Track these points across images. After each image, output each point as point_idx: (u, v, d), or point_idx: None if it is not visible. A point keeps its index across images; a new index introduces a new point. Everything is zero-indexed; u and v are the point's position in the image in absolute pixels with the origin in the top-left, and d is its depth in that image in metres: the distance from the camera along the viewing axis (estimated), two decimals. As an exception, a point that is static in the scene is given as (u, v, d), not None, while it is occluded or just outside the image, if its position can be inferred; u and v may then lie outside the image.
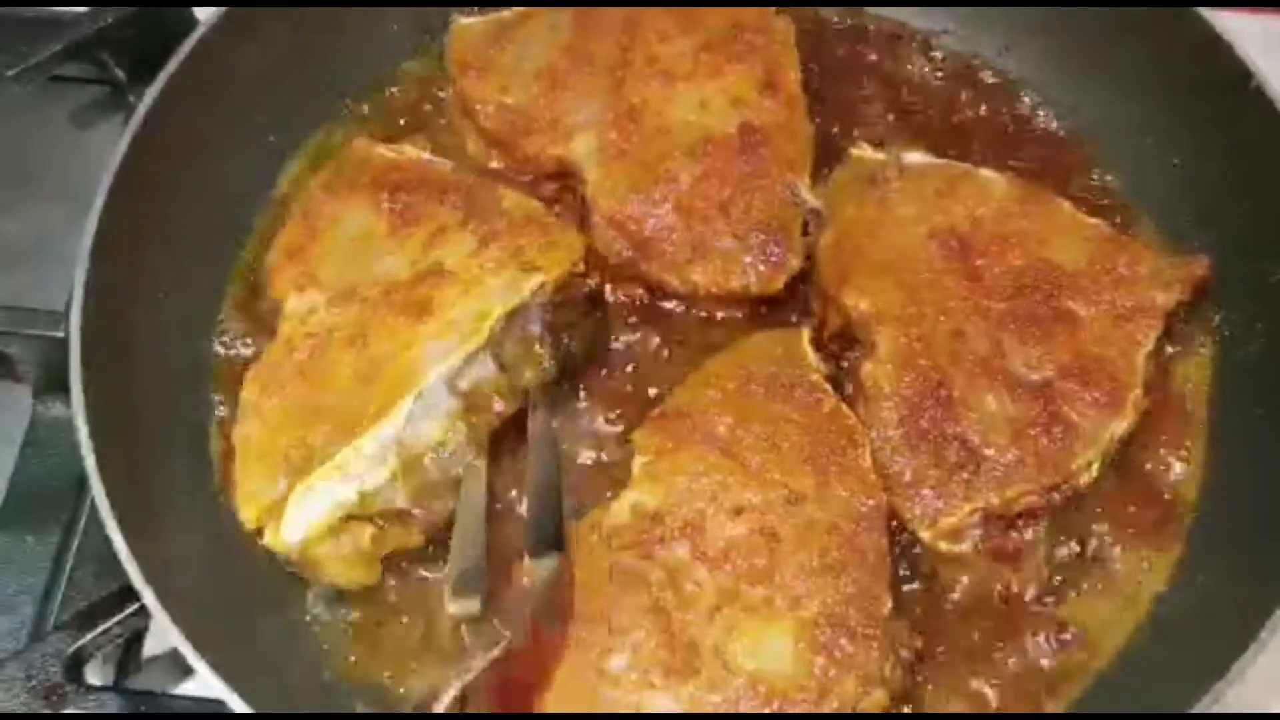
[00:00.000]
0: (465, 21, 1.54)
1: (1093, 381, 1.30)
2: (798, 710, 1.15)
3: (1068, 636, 1.29)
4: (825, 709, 1.15)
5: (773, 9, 1.52)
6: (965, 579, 1.31)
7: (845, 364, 1.39)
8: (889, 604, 1.20)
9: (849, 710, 1.15)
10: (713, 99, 1.46)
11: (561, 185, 1.49)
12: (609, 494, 1.29)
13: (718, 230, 1.40)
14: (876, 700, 1.17)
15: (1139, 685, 1.27)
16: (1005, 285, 1.35)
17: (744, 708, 1.15)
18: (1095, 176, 1.54)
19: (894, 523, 1.28)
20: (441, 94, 1.59)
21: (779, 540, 1.22)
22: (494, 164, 1.52)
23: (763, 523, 1.23)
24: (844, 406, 1.31)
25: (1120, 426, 1.30)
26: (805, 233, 1.43)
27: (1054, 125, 1.59)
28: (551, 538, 1.23)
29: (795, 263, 1.41)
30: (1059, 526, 1.32)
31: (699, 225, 1.40)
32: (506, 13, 1.54)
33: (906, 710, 1.25)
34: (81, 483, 1.39)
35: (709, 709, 1.15)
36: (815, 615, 1.18)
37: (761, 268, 1.40)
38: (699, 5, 1.50)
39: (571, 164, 1.45)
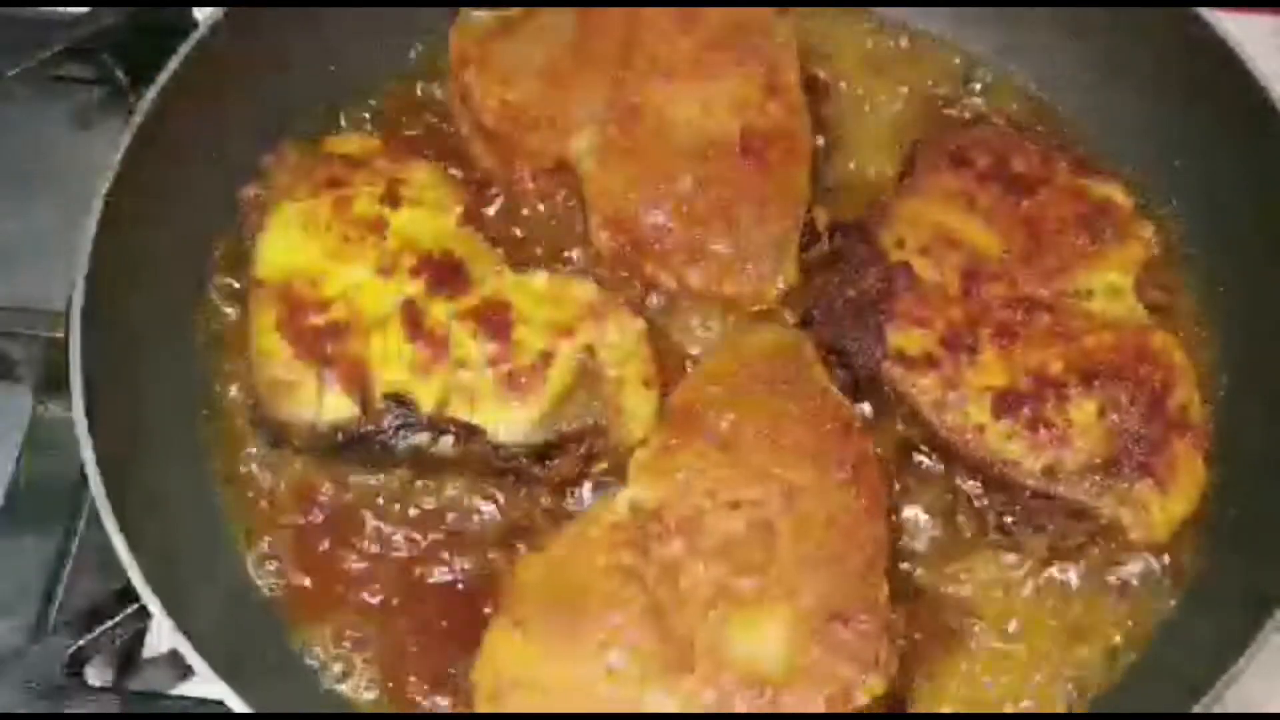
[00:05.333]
0: (470, 15, 1.54)
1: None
2: (793, 698, 1.15)
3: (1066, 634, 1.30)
4: (820, 696, 1.15)
5: (773, 10, 1.52)
6: (965, 577, 1.32)
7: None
8: (886, 592, 1.20)
9: (845, 697, 1.15)
10: (714, 100, 1.45)
11: (560, 182, 1.48)
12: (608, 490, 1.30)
13: (715, 233, 1.39)
14: (872, 687, 1.16)
15: (1139, 685, 1.27)
16: None
17: (739, 698, 1.15)
18: (1095, 178, 1.55)
19: (892, 517, 1.29)
20: (442, 95, 1.59)
21: (776, 534, 1.22)
22: (488, 161, 1.52)
23: (760, 517, 1.23)
24: (844, 400, 1.31)
25: None
26: (804, 247, 1.41)
27: (1053, 127, 1.59)
28: None
29: (791, 274, 1.39)
30: (1061, 528, 1.31)
31: (697, 227, 1.39)
32: (511, 10, 1.54)
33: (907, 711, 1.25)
34: (81, 483, 1.38)
35: (705, 703, 1.15)
36: (812, 605, 1.19)
37: (756, 278, 1.39)
38: (700, 5, 1.50)
39: (571, 161, 1.45)
